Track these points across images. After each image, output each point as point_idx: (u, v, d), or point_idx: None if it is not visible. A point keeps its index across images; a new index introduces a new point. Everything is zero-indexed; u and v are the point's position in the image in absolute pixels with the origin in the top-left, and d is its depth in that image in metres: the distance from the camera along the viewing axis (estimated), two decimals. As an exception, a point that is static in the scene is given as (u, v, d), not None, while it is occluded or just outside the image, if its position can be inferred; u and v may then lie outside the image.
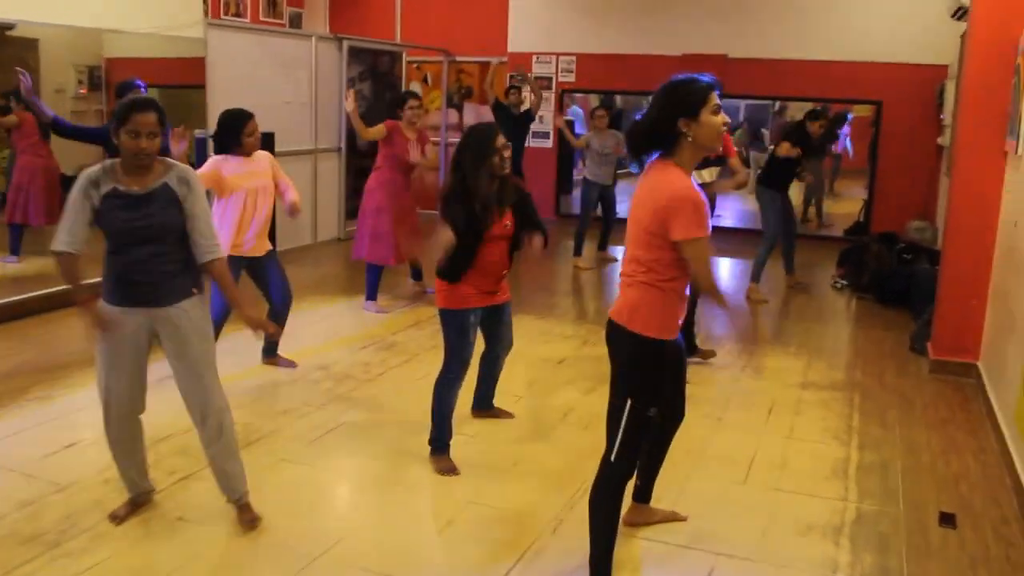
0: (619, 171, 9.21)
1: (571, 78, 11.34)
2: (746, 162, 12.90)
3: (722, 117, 2.73)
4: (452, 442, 4.04)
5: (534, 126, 9.77)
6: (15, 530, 3.34)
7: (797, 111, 10.97)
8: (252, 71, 8.19)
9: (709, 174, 7.26)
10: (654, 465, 3.45)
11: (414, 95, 6.80)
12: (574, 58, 11.24)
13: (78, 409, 4.54)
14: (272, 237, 5.20)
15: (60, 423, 4.41)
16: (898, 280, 7.39)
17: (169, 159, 3.27)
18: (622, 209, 9.01)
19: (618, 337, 2.88)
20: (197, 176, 3.31)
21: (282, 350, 5.43)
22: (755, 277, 7.61)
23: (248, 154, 4.86)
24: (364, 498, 3.81)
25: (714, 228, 2.82)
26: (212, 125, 7.45)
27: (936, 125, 9.52)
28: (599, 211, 8.91)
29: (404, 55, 10.81)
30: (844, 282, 8.07)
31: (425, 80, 12.10)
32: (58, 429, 4.33)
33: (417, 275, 7.32)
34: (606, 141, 8.57)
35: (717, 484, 3.92)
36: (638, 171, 2.87)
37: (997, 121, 5.20)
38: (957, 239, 5.51)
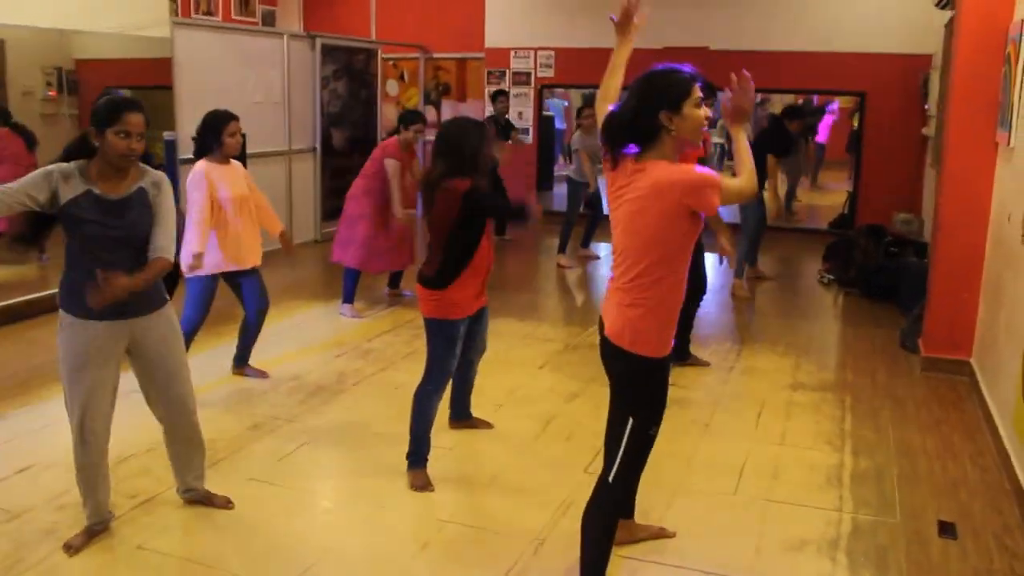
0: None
1: (550, 73, 11.15)
2: (726, 156, 12.80)
3: (705, 111, 2.60)
4: (428, 456, 3.85)
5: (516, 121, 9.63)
6: (-41, 565, 3.13)
7: (779, 103, 10.86)
8: (221, 71, 7.94)
9: None
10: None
11: (423, 119, 6.70)
12: (553, 53, 11.05)
13: (32, 430, 4.32)
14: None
15: (12, 445, 4.18)
16: (886, 274, 7.25)
17: (141, 163, 3.13)
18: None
19: (618, 358, 2.71)
20: (167, 179, 3.19)
21: (254, 358, 5.23)
22: (738, 273, 7.46)
23: (227, 157, 4.74)
24: (336, 519, 3.60)
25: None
26: (180, 127, 7.28)
27: (921, 115, 9.39)
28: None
29: (379, 52, 10.58)
30: (831, 277, 7.92)
31: (402, 77, 11.89)
32: (10, 452, 4.10)
33: (394, 282, 7.11)
34: (597, 140, 8.33)
35: (706, 496, 3.74)
36: (612, 167, 2.68)
37: (987, 112, 5.05)
38: (947, 232, 5.36)
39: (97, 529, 3.31)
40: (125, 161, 3.00)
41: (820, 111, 12.53)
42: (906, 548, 3.33)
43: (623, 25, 2.94)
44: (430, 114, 11.60)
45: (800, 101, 11.08)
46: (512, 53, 11.24)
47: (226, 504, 3.57)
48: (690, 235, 2.62)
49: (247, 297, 4.97)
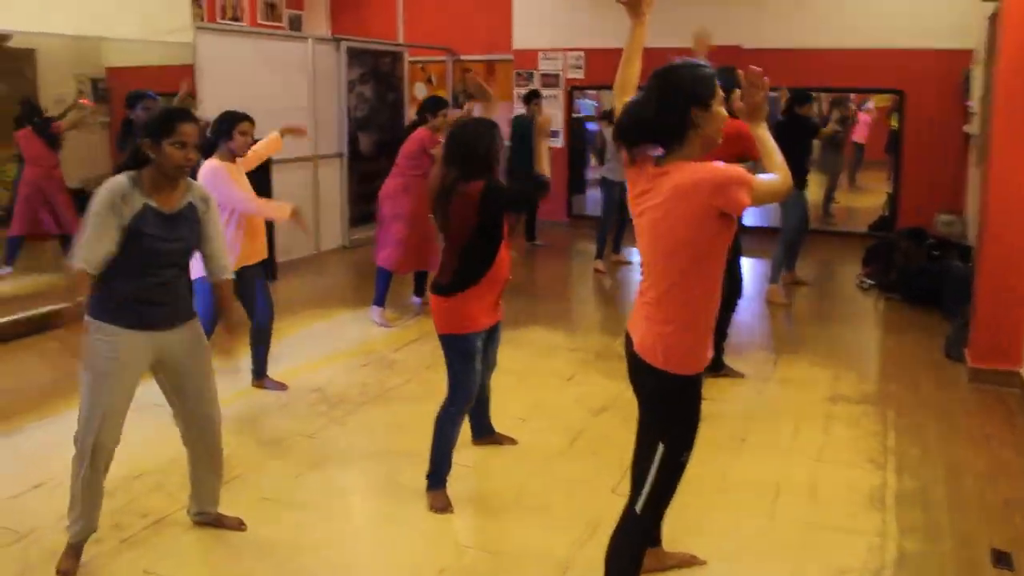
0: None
1: (580, 74, 10.96)
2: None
3: (724, 109, 2.43)
4: (449, 475, 3.69)
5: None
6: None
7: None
8: (245, 76, 7.85)
9: None
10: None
11: (447, 102, 6.74)
12: (583, 53, 10.87)
13: (51, 444, 4.21)
14: (271, 248, 4.97)
15: (29, 460, 4.09)
16: (928, 278, 6.98)
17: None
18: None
19: (649, 376, 2.52)
20: (212, 195, 3.21)
21: (276, 369, 5.12)
22: (774, 278, 7.22)
23: (234, 156, 4.61)
24: (351, 542, 3.44)
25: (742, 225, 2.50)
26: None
27: (963, 112, 9.08)
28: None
29: (406, 55, 10.46)
30: (871, 281, 7.65)
31: (429, 80, 11.77)
32: (26, 466, 4.01)
33: (419, 289, 6.96)
34: None
35: (739, 520, 3.53)
36: (630, 164, 2.50)
37: (1036, 108, 4.80)
38: (994, 234, 5.11)
39: (81, 548, 3.15)
40: (181, 172, 2.97)
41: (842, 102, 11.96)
42: (956, 578, 3.11)
43: (634, 6, 2.76)
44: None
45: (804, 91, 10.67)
46: (540, 54, 11.07)
47: (238, 526, 3.44)
48: (721, 239, 2.43)
49: (258, 301, 4.85)
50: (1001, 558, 3.22)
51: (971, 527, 3.48)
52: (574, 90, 11.12)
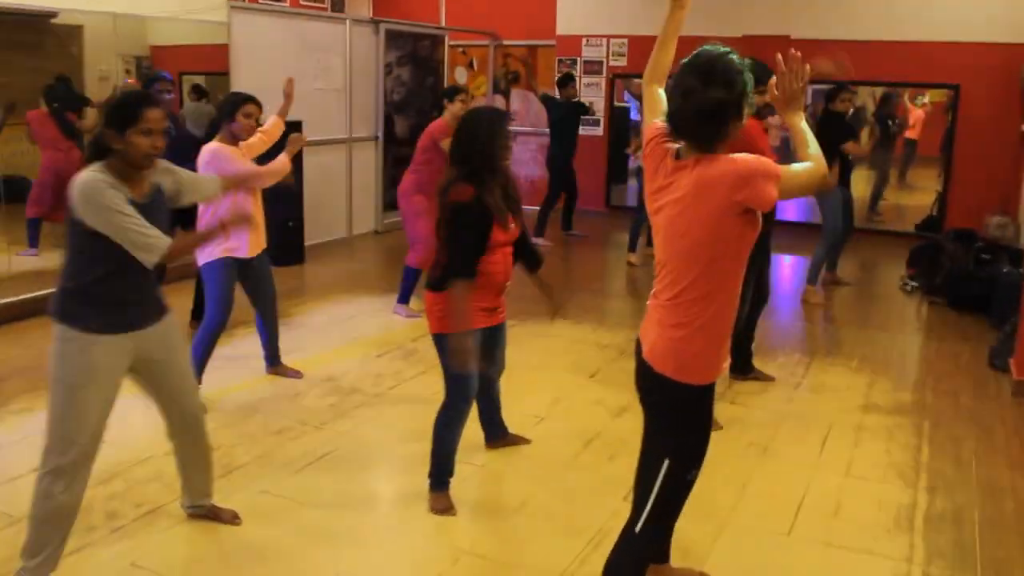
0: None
1: (623, 62, 10.72)
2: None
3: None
4: (456, 474, 3.55)
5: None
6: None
7: (866, 97, 10.17)
8: (279, 56, 7.76)
9: None
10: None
11: (464, 87, 6.63)
12: (626, 41, 10.62)
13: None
14: (302, 233, 4.85)
15: (35, 440, 4.02)
16: (976, 283, 6.68)
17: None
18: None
19: (659, 387, 2.36)
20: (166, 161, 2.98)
21: (293, 356, 5.04)
22: (811, 279, 6.96)
23: (236, 139, 4.47)
24: (347, 543, 3.30)
25: (776, 222, 2.31)
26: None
27: (1020, 110, 8.70)
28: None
29: (447, 38, 10.31)
30: (914, 284, 7.35)
31: (471, 65, 11.61)
32: (31, 448, 3.94)
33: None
34: None
35: (756, 536, 3.35)
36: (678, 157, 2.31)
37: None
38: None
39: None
40: (149, 161, 2.78)
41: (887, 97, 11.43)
42: (985, 611, 2.91)
43: None
44: (499, 104, 11.29)
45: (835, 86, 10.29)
46: (584, 41, 10.84)
47: (233, 519, 3.34)
48: (745, 239, 2.24)
49: (261, 289, 4.75)
50: (1035, 592, 3.01)
51: (1005, 555, 3.25)
52: (615, 78, 10.88)
